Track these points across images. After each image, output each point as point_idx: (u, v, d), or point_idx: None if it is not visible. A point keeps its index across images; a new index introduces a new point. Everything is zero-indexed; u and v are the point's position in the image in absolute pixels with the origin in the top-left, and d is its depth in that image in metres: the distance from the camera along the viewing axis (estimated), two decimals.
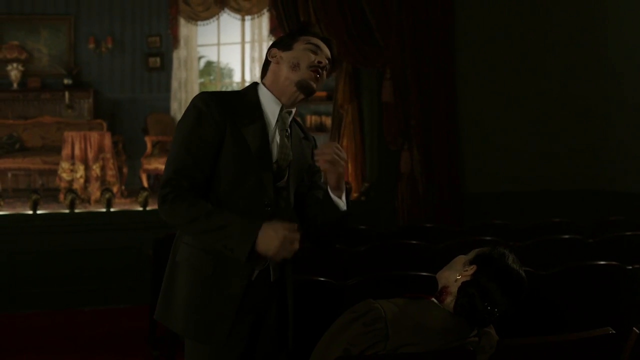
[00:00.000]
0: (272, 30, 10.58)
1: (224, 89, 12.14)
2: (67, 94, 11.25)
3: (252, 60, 11.44)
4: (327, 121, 9.83)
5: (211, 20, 11.51)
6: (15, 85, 11.32)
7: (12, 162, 10.07)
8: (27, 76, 11.45)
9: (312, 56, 2.71)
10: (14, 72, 11.25)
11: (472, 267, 2.53)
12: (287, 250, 2.44)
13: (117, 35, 11.65)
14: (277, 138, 2.71)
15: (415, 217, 7.97)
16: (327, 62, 2.75)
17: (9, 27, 11.50)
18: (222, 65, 12.40)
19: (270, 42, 10.83)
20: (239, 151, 2.61)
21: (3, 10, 11.35)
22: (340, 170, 2.64)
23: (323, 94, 10.10)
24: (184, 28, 11.77)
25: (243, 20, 11.34)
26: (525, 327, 3.19)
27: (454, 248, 4.03)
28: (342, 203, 2.71)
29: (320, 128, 10.30)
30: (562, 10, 8.54)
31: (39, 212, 7.57)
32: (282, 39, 2.85)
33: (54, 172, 9.58)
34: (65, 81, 11.46)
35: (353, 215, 2.93)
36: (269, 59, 2.82)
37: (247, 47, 11.60)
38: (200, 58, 12.26)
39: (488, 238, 4.82)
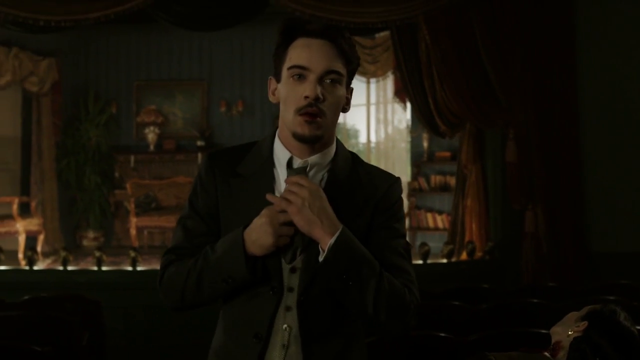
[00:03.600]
0: (397, 92, 10.80)
1: (350, 149, 12.48)
2: (200, 155, 11.71)
3: (378, 121, 11.68)
4: (452, 181, 9.95)
5: None
6: (152, 147, 11.78)
7: (149, 220, 10.55)
8: (162, 138, 11.89)
9: (298, 90, 2.10)
10: (151, 134, 11.74)
11: (583, 323, 2.61)
12: (281, 230, 2.05)
13: (247, 99, 12.09)
14: None
15: (539, 276, 7.94)
16: (330, 78, 2.10)
17: (147, 93, 12.03)
18: (349, 126, 12.71)
19: (395, 104, 11.21)
20: (236, 221, 2.14)
21: (143, 78, 11.95)
22: (297, 215, 2.04)
23: (447, 154, 10.27)
24: None
25: (368, 82, 11.64)
26: None
27: (573, 307, 4.06)
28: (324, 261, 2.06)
29: (445, 188, 10.39)
30: None
31: None
32: (274, 56, 2.21)
33: None
34: (199, 143, 11.84)
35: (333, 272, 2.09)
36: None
37: (373, 108, 11.86)
38: None
39: (611, 297, 4.82)
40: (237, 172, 2.22)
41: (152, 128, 11.73)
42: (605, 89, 8.35)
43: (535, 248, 8.14)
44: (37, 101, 11.04)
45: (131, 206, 10.13)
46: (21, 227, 9.02)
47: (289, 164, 2.16)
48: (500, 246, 8.54)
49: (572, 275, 7.90)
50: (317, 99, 2.06)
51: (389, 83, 11.31)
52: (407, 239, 2.32)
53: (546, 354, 2.63)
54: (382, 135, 11.70)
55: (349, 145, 12.66)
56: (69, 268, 8.25)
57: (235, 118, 12.02)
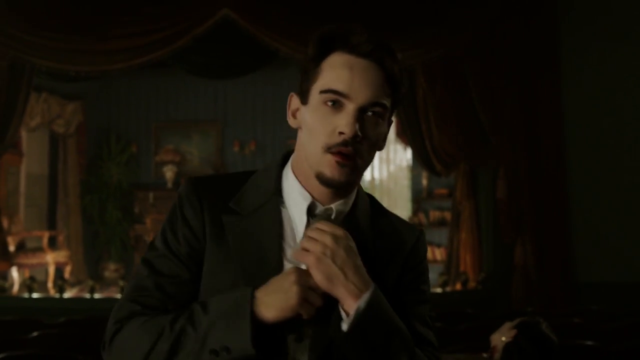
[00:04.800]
0: (398, 134, 11.38)
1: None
2: None
3: (381, 160, 12.22)
4: (449, 216, 10.50)
5: None
6: (169, 184, 12.25)
7: None
8: (180, 176, 12.28)
9: (331, 121, 1.63)
10: (169, 172, 12.23)
11: (514, 330, 3.30)
12: (309, 294, 1.58)
13: (259, 139, 12.58)
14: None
15: (528, 305, 8.42)
16: (373, 111, 1.63)
17: (165, 133, 12.61)
18: None
19: (397, 144, 11.74)
20: (224, 273, 1.67)
21: (161, 119, 12.58)
22: (315, 267, 1.59)
23: (444, 191, 10.86)
24: None
25: None
26: None
27: None
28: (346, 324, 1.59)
29: (442, 222, 10.92)
30: None
31: None
32: (302, 71, 1.72)
33: None
34: None
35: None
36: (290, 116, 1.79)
37: None
38: None
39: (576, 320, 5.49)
40: (230, 207, 1.71)
41: (170, 166, 12.23)
42: (590, 129, 8.93)
43: (524, 279, 8.73)
44: (64, 142, 11.72)
45: (150, 240, 10.72)
46: (51, 258, 9.72)
47: (310, 209, 1.70)
48: (491, 277, 9.13)
49: (559, 304, 8.45)
50: (355, 136, 1.61)
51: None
52: None
53: (485, 355, 3.31)
54: (385, 173, 12.19)
55: None
56: (95, 296, 8.93)
57: (248, 157, 12.48)
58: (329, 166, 1.63)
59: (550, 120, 8.96)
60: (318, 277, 1.58)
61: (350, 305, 1.58)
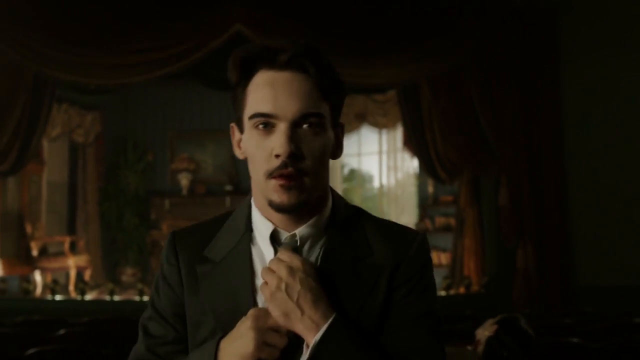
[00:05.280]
0: (405, 143, 11.69)
1: (365, 194, 13.37)
2: (228, 199, 12.40)
3: (389, 168, 12.57)
4: (454, 222, 10.76)
5: (352, 133, 12.76)
6: (184, 191, 12.57)
7: None
8: (194, 183, 12.66)
9: (265, 145, 1.56)
10: (184, 180, 12.54)
11: (495, 326, 3.66)
12: (268, 336, 1.51)
13: None
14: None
15: (529, 308, 8.64)
16: (308, 123, 1.55)
17: (181, 142, 12.95)
18: (363, 172, 13.55)
19: (404, 154, 12.00)
20: (204, 325, 1.64)
21: (176, 129, 12.92)
22: (270, 302, 1.53)
23: (450, 198, 11.16)
24: None
25: (380, 133, 12.54)
26: None
27: None
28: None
29: (448, 228, 11.15)
30: None
31: None
32: (232, 98, 1.65)
33: None
34: (227, 187, 12.58)
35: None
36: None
37: (384, 156, 12.72)
38: (343, 166, 13.52)
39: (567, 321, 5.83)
40: (204, 256, 1.67)
41: (185, 174, 12.54)
42: (588, 138, 9.18)
43: (525, 282, 9.02)
44: (83, 151, 12.14)
45: None
46: (72, 262, 10.13)
47: (274, 238, 1.62)
48: (494, 280, 9.39)
49: (559, 306, 8.64)
50: (291, 156, 1.52)
51: (399, 134, 12.15)
52: None
53: (469, 347, 3.68)
54: (393, 180, 12.53)
55: (365, 190, 13.56)
56: (115, 298, 9.33)
57: None
58: (274, 192, 1.54)
59: (550, 129, 9.25)
60: (274, 313, 1.51)
61: (309, 341, 1.51)
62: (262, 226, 1.63)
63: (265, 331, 1.51)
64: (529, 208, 9.11)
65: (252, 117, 1.55)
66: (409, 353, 1.55)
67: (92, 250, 11.62)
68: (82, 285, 9.25)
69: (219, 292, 1.62)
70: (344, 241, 1.63)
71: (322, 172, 1.59)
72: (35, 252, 9.89)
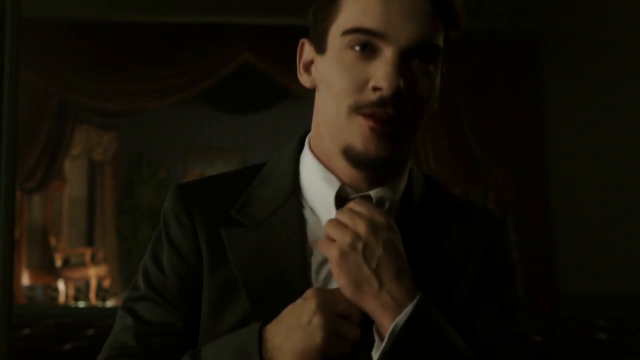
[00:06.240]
0: None
1: None
2: None
3: None
4: None
5: None
6: None
7: None
8: None
9: (361, 71, 1.14)
10: None
11: None
12: (340, 326, 1.09)
13: None
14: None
15: None
16: (423, 56, 1.16)
17: (192, 159, 13.42)
18: None
19: None
20: (234, 307, 1.18)
21: (188, 147, 13.36)
22: (337, 266, 1.11)
23: None
24: None
25: None
26: None
27: None
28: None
29: None
30: None
31: None
32: (315, 7, 1.22)
33: None
34: None
35: None
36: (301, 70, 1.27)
37: None
38: None
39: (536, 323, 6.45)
40: (232, 217, 1.24)
41: None
42: (571, 154, 9.46)
43: None
44: (101, 168, 12.64)
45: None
46: (93, 272, 10.83)
47: (339, 198, 1.20)
48: None
49: (544, 317, 8.56)
50: (397, 93, 1.12)
51: None
52: None
53: None
54: None
55: None
56: None
57: None
58: (360, 135, 1.14)
59: (535, 148, 9.77)
60: (342, 282, 1.11)
61: (385, 325, 1.09)
62: (323, 183, 1.22)
63: (335, 319, 1.09)
64: (514, 222, 9.38)
65: (348, 32, 1.14)
66: (498, 350, 1.18)
67: (110, 261, 12.12)
68: (103, 293, 9.90)
69: (257, 266, 1.19)
70: (423, 215, 1.24)
71: (421, 123, 1.20)
72: (58, 263, 10.54)
